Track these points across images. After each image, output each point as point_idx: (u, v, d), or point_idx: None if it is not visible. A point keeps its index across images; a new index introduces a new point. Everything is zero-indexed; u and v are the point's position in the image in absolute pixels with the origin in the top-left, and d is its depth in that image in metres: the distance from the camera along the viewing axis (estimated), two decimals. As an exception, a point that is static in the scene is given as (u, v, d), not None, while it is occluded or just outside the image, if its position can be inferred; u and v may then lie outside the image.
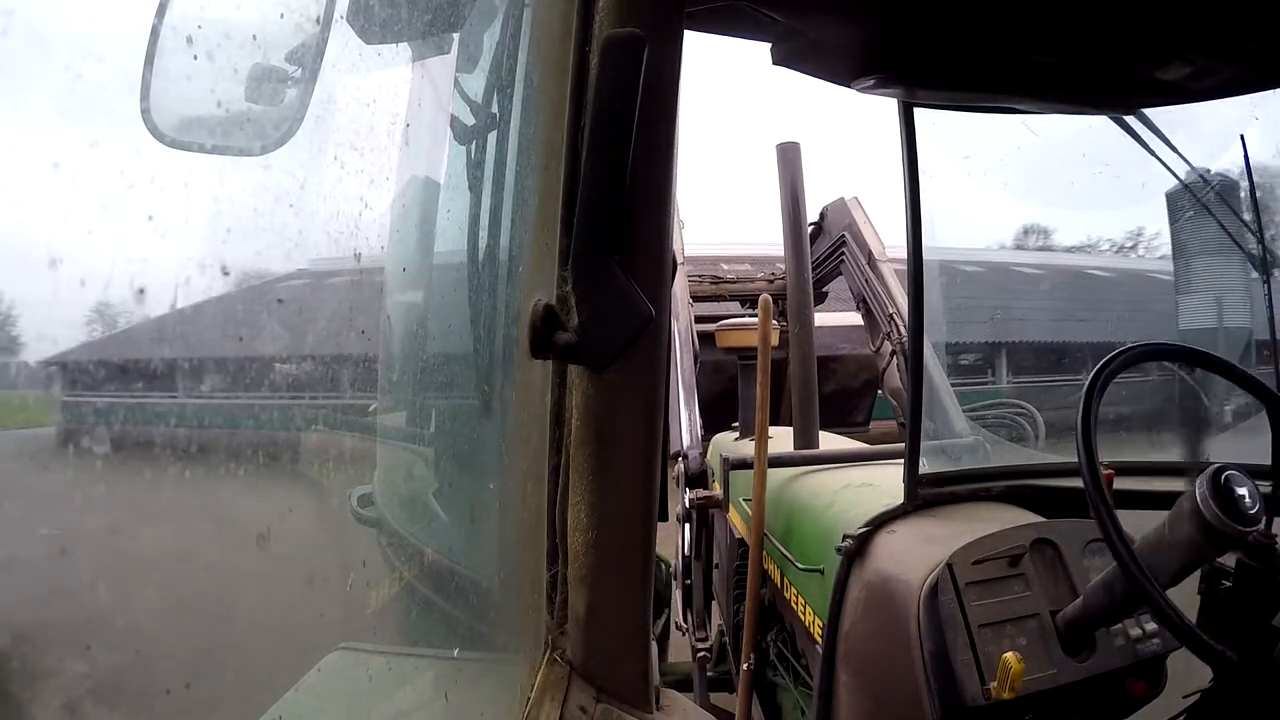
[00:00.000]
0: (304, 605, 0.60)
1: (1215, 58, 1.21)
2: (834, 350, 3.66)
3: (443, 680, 0.75)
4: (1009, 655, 1.13)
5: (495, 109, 0.83)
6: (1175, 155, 1.62)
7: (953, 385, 2.05)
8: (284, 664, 0.59)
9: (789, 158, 2.39)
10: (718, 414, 2.76)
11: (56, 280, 0.34)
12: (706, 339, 2.63)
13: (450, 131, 0.84)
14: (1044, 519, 1.41)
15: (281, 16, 0.49)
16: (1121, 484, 1.25)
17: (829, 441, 2.39)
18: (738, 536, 2.22)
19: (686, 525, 2.16)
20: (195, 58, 0.42)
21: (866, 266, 2.72)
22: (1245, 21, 1.12)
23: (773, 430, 1.88)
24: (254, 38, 0.47)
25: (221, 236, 0.43)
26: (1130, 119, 1.57)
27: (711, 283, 3.71)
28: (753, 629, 1.87)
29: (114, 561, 0.42)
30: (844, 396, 3.84)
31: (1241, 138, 1.64)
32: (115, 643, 0.41)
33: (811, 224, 2.92)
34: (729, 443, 2.56)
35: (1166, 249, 1.90)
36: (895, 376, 2.57)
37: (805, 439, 2.25)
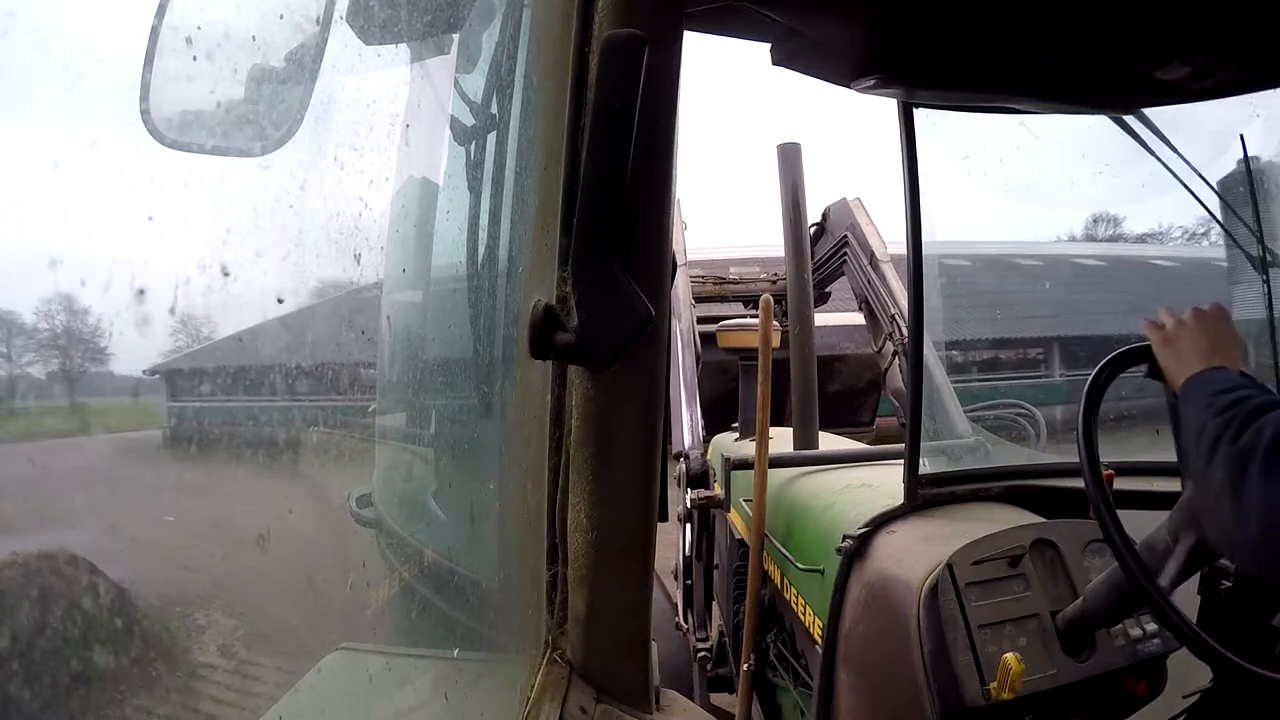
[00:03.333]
0: (311, 604, 0.60)
1: (1215, 58, 1.21)
2: (838, 350, 3.66)
3: (443, 680, 0.75)
4: (1009, 655, 1.13)
5: (495, 109, 0.83)
6: (1175, 155, 1.62)
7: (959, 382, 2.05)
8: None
9: (790, 158, 2.39)
10: (720, 414, 2.76)
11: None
12: (709, 339, 2.63)
13: (450, 132, 0.84)
14: (1044, 519, 1.40)
15: (281, 17, 0.49)
16: (1121, 484, 1.25)
17: (829, 442, 2.39)
18: (738, 537, 2.22)
19: (687, 525, 2.16)
20: (195, 58, 0.42)
21: (869, 267, 2.72)
22: (1245, 21, 1.12)
23: (773, 431, 1.88)
24: (254, 38, 0.47)
25: (221, 236, 0.43)
26: (1130, 119, 1.57)
27: (714, 283, 3.70)
28: (753, 629, 1.86)
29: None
30: (848, 396, 3.84)
31: (1241, 137, 1.64)
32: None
33: (814, 224, 2.92)
34: (729, 443, 2.56)
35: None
36: (897, 376, 2.57)
37: (805, 439, 2.25)
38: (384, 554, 0.78)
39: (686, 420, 2.23)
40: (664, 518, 0.83)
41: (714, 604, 2.48)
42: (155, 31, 0.43)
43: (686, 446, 2.15)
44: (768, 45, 1.21)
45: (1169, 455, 1.13)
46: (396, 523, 0.82)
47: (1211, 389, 0.96)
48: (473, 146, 0.84)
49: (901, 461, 1.51)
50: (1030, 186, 1.84)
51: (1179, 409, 1.01)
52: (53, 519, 0.44)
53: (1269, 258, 1.67)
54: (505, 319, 0.78)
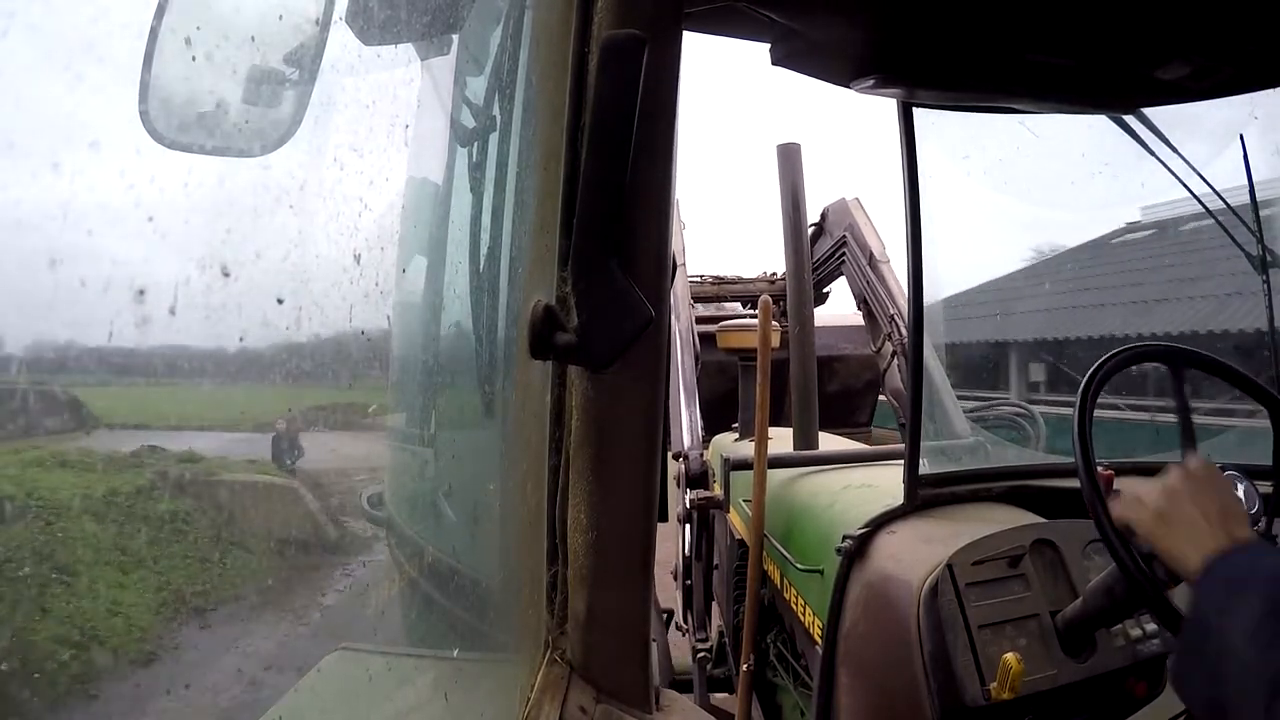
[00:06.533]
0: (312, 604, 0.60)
1: (1215, 58, 1.21)
2: (836, 350, 3.66)
3: (443, 680, 0.75)
4: (1009, 656, 1.12)
5: (495, 110, 0.83)
6: (1175, 155, 1.62)
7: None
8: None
9: (790, 158, 2.39)
10: (720, 414, 2.77)
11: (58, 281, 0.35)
12: (708, 339, 2.63)
13: (450, 132, 0.84)
14: (1044, 519, 1.40)
15: (281, 17, 0.49)
16: (1122, 484, 1.25)
17: (829, 442, 2.39)
18: (738, 537, 2.22)
19: (687, 526, 2.16)
20: (194, 58, 0.42)
21: (868, 267, 2.72)
22: (1245, 21, 1.12)
23: (773, 431, 1.88)
24: (253, 38, 0.47)
25: (221, 237, 0.43)
26: (1130, 119, 1.57)
27: (713, 283, 3.71)
28: (753, 629, 1.86)
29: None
30: (846, 396, 3.83)
31: (1241, 137, 1.64)
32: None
33: (813, 225, 2.92)
34: (729, 443, 2.56)
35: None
36: (896, 377, 2.57)
37: (805, 440, 2.25)
38: (392, 553, 0.78)
39: (686, 420, 2.23)
40: (664, 518, 0.83)
41: (714, 604, 2.48)
42: (155, 31, 0.43)
43: (686, 447, 2.15)
44: (767, 45, 1.21)
45: (1169, 455, 1.13)
46: (402, 522, 0.82)
47: (1260, 588, 0.74)
48: (473, 147, 0.84)
49: (901, 461, 1.51)
50: (1030, 186, 1.84)
51: (1199, 602, 0.80)
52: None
53: (1269, 258, 1.67)
54: (506, 319, 0.78)
